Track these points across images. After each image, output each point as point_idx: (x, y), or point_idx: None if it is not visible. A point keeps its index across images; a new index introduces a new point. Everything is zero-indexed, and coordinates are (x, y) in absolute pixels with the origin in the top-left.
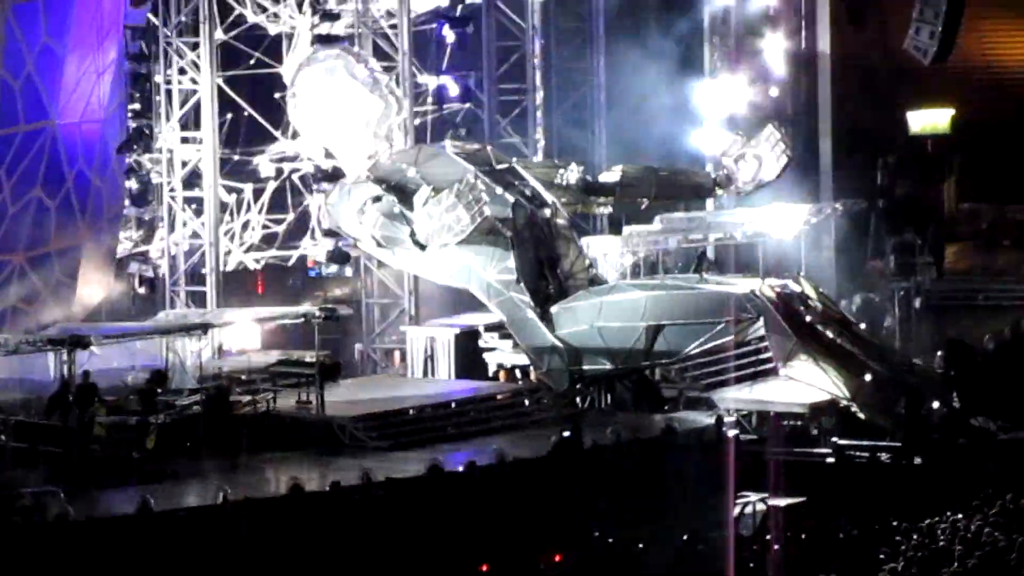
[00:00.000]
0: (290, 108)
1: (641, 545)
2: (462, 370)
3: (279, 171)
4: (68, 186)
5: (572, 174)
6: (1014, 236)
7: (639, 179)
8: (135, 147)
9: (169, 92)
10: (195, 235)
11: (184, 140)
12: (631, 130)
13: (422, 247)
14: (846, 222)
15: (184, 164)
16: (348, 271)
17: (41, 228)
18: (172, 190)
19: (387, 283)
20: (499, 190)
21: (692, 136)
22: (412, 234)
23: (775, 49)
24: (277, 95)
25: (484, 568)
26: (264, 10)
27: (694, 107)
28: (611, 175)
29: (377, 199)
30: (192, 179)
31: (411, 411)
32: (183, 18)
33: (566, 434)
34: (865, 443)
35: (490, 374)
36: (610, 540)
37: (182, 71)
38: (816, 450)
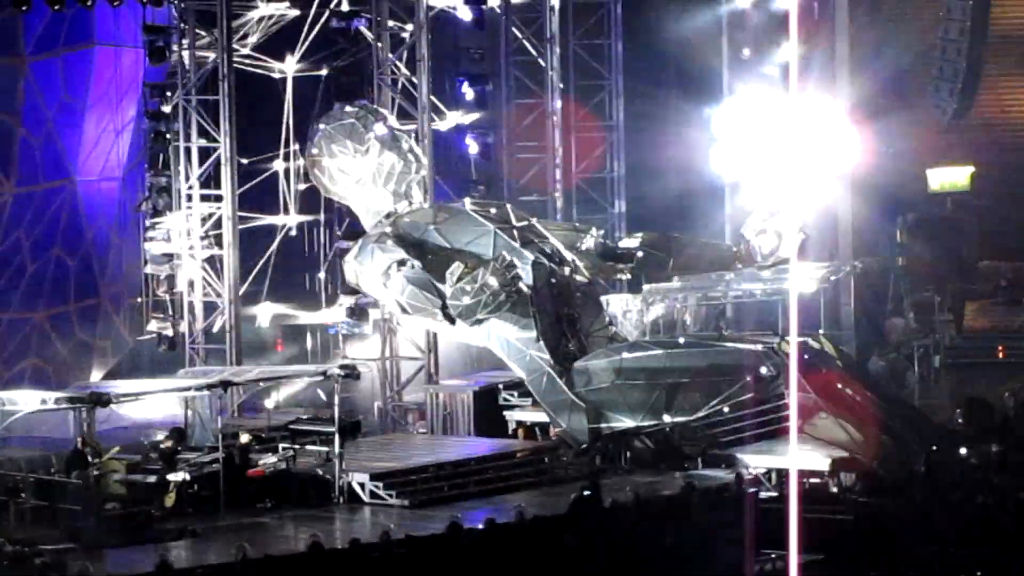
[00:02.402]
0: (309, 166)
1: None
2: (481, 428)
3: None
4: (87, 244)
5: (590, 240)
6: None
7: (658, 248)
8: (154, 205)
9: (188, 150)
10: (215, 293)
11: (203, 198)
12: (651, 185)
13: (452, 321)
14: (865, 279)
15: (203, 222)
16: (367, 329)
17: (61, 286)
18: (191, 248)
19: (407, 341)
20: (518, 248)
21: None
22: (444, 307)
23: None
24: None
25: None
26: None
27: (712, 170)
28: (631, 242)
29: (402, 263)
30: (212, 236)
31: (431, 469)
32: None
33: (586, 492)
34: (885, 501)
35: (509, 432)
36: None
37: (201, 129)
38: (836, 507)
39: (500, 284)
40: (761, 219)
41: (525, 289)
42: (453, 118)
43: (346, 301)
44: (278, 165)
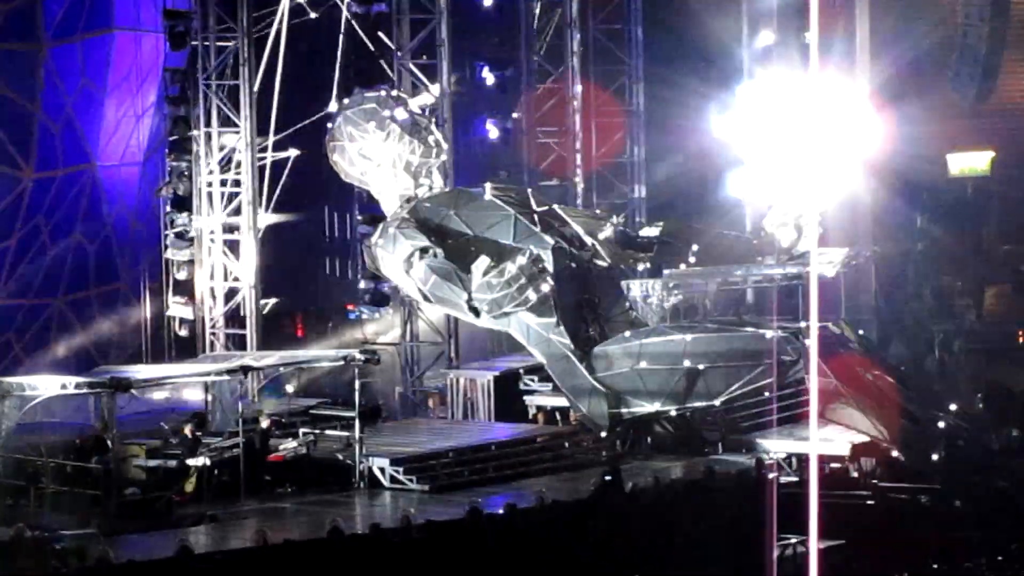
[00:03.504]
0: (330, 151)
1: None
2: (502, 413)
3: None
4: (107, 229)
5: (609, 228)
6: None
7: (678, 238)
8: (174, 190)
9: (208, 135)
10: (235, 278)
11: (223, 182)
12: (672, 170)
13: (477, 313)
14: (885, 264)
15: (224, 206)
16: (388, 313)
17: (81, 271)
18: (211, 232)
19: (428, 326)
20: (539, 232)
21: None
22: (469, 300)
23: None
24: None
25: None
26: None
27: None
28: (651, 230)
29: (424, 251)
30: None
31: (451, 454)
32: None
33: (608, 477)
34: (905, 486)
35: (530, 416)
36: None
37: (220, 114)
38: (856, 492)
39: (528, 280)
40: (781, 212)
41: (551, 283)
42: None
43: (366, 285)
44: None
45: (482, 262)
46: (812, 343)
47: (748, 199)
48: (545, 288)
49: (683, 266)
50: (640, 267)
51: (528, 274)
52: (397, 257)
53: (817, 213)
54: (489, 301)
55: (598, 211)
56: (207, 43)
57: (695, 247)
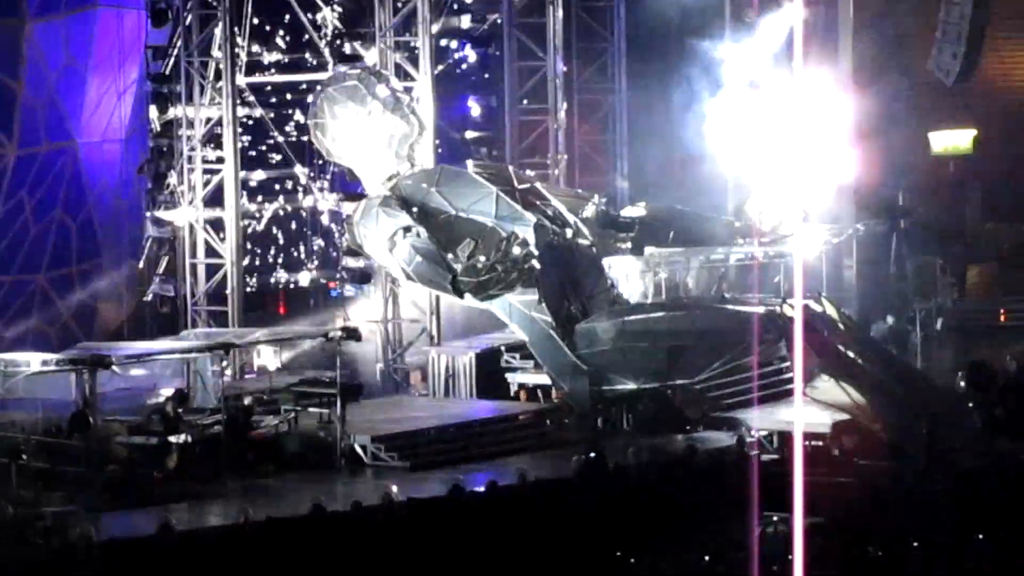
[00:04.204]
0: (312, 129)
1: (662, 566)
2: (483, 390)
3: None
4: (89, 206)
5: (591, 207)
6: None
7: (660, 219)
8: (156, 167)
9: (190, 112)
10: (217, 255)
11: (205, 160)
12: (654, 150)
13: (461, 295)
14: (868, 242)
15: (206, 184)
16: (370, 291)
17: (63, 249)
18: (194, 209)
19: (409, 303)
20: (520, 210)
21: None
22: (454, 281)
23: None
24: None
25: None
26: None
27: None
28: (633, 210)
29: (407, 230)
30: (214, 199)
31: (432, 431)
32: (203, 37)
33: (591, 455)
34: (887, 464)
35: (511, 394)
36: (631, 560)
37: (203, 92)
38: (838, 470)
39: (514, 264)
40: (764, 198)
41: (537, 266)
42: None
43: (348, 263)
44: None
45: (467, 245)
46: (797, 320)
47: (731, 179)
48: (531, 272)
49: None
50: (620, 246)
51: (514, 257)
52: (380, 236)
53: (800, 197)
54: (475, 284)
55: (580, 191)
56: (189, 20)
57: (673, 231)
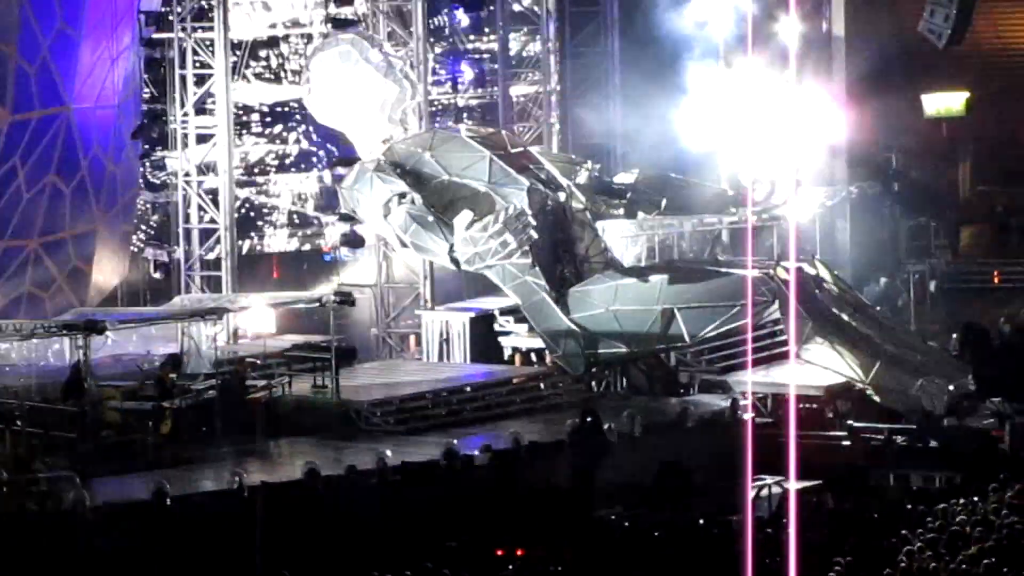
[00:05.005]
0: (304, 93)
1: (657, 530)
2: (477, 354)
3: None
4: (83, 171)
5: (584, 173)
6: None
7: (653, 186)
8: (150, 132)
9: (184, 77)
10: (211, 220)
11: (199, 125)
12: (647, 115)
13: (458, 265)
14: (861, 205)
15: (200, 141)
16: (363, 255)
17: (56, 214)
18: (187, 175)
19: (403, 266)
20: (514, 174)
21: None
22: (451, 251)
23: (790, 33)
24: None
25: (500, 553)
26: None
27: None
28: (626, 177)
29: (402, 196)
30: (207, 164)
31: (426, 395)
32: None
33: (587, 418)
34: (880, 426)
35: (505, 358)
36: (625, 524)
37: (196, 55)
38: (831, 433)
39: (513, 234)
40: (755, 167)
41: (535, 236)
42: None
43: (341, 228)
44: None
45: (464, 216)
46: (792, 284)
47: (723, 146)
48: (530, 241)
49: (656, 215)
50: (613, 213)
51: (512, 228)
52: (375, 201)
53: (792, 162)
54: (472, 254)
55: (573, 156)
56: None
57: (665, 199)
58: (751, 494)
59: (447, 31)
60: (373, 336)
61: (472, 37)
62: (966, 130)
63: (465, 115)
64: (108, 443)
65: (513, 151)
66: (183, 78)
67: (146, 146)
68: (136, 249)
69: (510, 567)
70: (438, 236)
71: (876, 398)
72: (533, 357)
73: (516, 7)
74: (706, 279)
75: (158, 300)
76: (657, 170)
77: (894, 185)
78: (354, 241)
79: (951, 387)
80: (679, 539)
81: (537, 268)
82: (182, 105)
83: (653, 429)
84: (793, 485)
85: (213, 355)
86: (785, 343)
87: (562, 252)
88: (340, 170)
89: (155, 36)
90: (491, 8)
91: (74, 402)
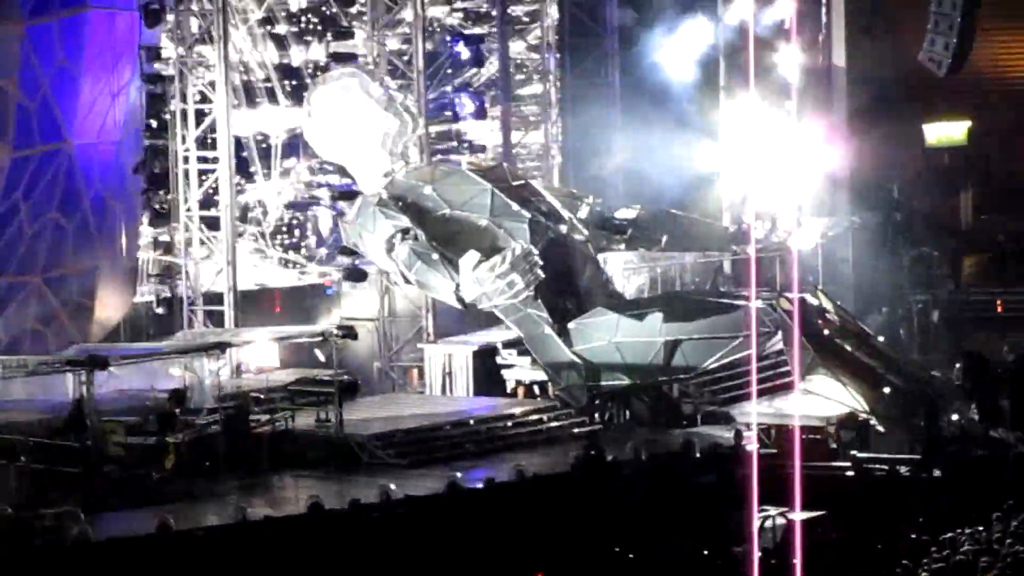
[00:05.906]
0: (305, 127)
1: (661, 560)
2: (480, 387)
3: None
4: (85, 207)
5: (586, 208)
6: None
7: (654, 222)
8: (151, 167)
9: (184, 112)
10: (212, 254)
11: (201, 159)
12: (647, 148)
13: (464, 304)
14: (863, 235)
15: (201, 183)
16: (365, 288)
17: (58, 249)
18: (188, 210)
19: (404, 300)
20: (515, 207)
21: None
22: (457, 289)
23: (790, 63)
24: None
25: None
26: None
27: (709, 123)
28: (628, 212)
29: (406, 232)
30: (209, 198)
31: (429, 428)
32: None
33: (591, 452)
34: (884, 456)
35: (508, 391)
36: (630, 556)
37: (198, 92)
38: (835, 464)
39: (520, 275)
40: (756, 203)
41: (542, 275)
42: None
43: (343, 262)
44: None
45: (471, 257)
46: (796, 315)
47: (723, 172)
48: (537, 280)
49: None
50: (614, 248)
51: (520, 269)
52: (378, 237)
53: (794, 207)
54: (479, 294)
55: (574, 191)
56: (182, 19)
57: (667, 236)
58: (756, 524)
59: (447, 64)
60: (376, 369)
61: (472, 71)
62: (967, 159)
63: (466, 148)
64: (112, 478)
65: (515, 184)
66: (184, 112)
67: (147, 181)
68: (139, 283)
69: None
70: (443, 274)
71: (880, 428)
72: (536, 390)
73: (519, 43)
74: (708, 311)
75: (161, 335)
76: (658, 205)
77: (896, 215)
78: (356, 275)
79: (954, 416)
80: (684, 570)
81: (539, 301)
82: (183, 139)
83: (656, 460)
84: (798, 516)
85: (216, 389)
86: (788, 374)
87: (564, 285)
88: (342, 205)
89: (156, 67)
90: (492, 46)
91: (77, 437)
